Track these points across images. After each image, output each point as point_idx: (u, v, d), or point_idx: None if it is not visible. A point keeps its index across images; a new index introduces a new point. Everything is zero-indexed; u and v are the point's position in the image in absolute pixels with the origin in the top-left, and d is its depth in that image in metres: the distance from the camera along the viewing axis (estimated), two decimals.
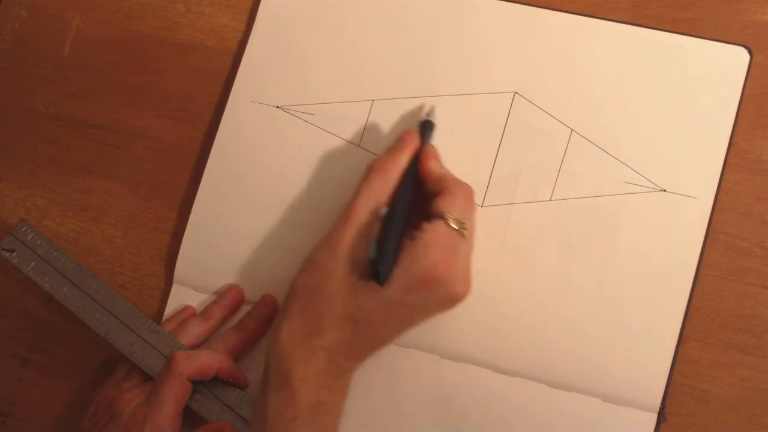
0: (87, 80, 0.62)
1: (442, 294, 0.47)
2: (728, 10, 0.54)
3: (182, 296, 0.57)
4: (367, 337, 0.48)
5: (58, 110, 0.62)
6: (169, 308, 0.57)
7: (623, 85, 0.53)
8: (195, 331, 0.55)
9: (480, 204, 0.54)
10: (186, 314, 0.56)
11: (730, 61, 0.52)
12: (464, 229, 0.47)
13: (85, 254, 0.59)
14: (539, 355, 0.52)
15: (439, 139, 0.54)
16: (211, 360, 0.52)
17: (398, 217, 0.47)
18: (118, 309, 0.55)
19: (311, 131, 0.57)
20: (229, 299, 0.55)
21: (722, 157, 0.52)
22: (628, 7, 0.55)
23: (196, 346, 0.54)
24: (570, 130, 0.53)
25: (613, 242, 0.52)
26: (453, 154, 0.55)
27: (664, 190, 0.52)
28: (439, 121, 0.54)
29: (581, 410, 0.51)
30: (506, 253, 0.53)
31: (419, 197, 0.50)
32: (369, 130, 0.56)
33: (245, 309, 0.56)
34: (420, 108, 0.55)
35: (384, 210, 0.48)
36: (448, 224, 0.47)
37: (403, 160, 0.50)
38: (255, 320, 0.55)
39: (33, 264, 0.56)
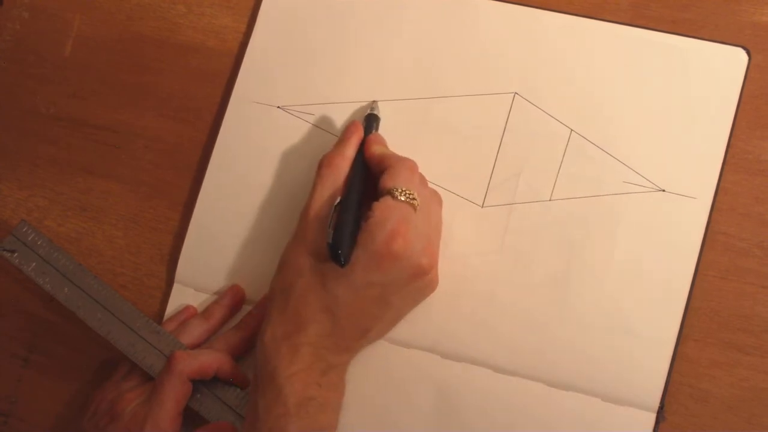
0: (87, 80, 0.62)
1: (406, 267, 0.47)
2: (727, 12, 0.54)
3: (183, 296, 0.57)
4: (347, 327, 0.48)
5: (59, 110, 0.62)
6: (170, 308, 0.57)
7: (623, 85, 0.53)
8: (196, 331, 0.55)
9: (480, 204, 0.54)
10: (187, 314, 0.56)
11: (729, 62, 0.53)
12: (413, 199, 0.48)
13: (86, 254, 0.59)
14: (539, 355, 0.52)
15: (439, 140, 0.54)
16: (212, 359, 0.52)
17: (350, 201, 0.49)
18: (118, 309, 0.55)
19: (312, 131, 0.57)
20: (230, 299, 0.55)
21: (721, 157, 0.52)
22: (627, 8, 0.55)
23: (196, 346, 0.54)
24: (570, 130, 0.54)
25: (613, 242, 0.52)
26: (453, 154, 0.55)
27: (664, 191, 0.52)
28: (439, 121, 0.54)
29: (581, 410, 0.51)
30: (506, 253, 0.53)
31: (371, 184, 0.50)
32: None
33: (246, 309, 0.56)
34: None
35: (339, 200, 0.49)
36: (396, 197, 0.47)
37: (350, 151, 0.52)
38: (256, 320, 0.54)
39: (34, 264, 0.56)
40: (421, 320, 0.53)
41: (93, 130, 0.61)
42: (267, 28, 0.59)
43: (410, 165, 0.50)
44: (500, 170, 0.54)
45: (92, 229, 0.60)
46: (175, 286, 0.57)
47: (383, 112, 0.55)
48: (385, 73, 0.57)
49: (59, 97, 0.62)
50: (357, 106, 0.56)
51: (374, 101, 0.56)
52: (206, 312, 0.55)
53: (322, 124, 0.57)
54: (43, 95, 0.63)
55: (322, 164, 0.51)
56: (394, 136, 0.55)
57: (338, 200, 0.49)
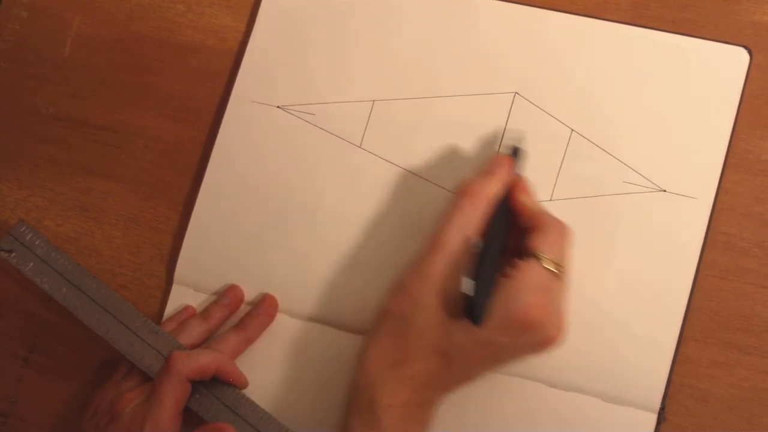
0: (87, 80, 0.62)
1: (536, 338, 0.45)
2: (728, 11, 0.54)
3: (182, 296, 0.57)
4: (455, 372, 0.47)
5: (58, 110, 0.62)
6: (170, 308, 0.57)
7: (623, 85, 0.53)
8: (195, 331, 0.55)
9: None
10: (186, 314, 0.56)
11: (730, 62, 0.52)
12: (560, 270, 0.46)
13: (86, 254, 0.59)
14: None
15: (439, 139, 0.54)
16: (210, 360, 0.52)
17: (492, 251, 0.46)
18: (117, 309, 0.55)
19: (312, 131, 0.57)
20: (229, 299, 0.55)
21: (722, 157, 0.52)
22: (627, 8, 0.55)
23: (195, 346, 0.54)
24: (570, 130, 0.54)
25: (613, 242, 0.52)
26: (453, 153, 0.55)
27: (664, 191, 0.52)
28: (439, 120, 0.54)
29: (581, 410, 0.51)
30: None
31: (512, 230, 0.48)
32: (369, 130, 0.56)
33: (245, 309, 0.56)
34: (503, 132, 0.53)
35: (477, 241, 0.46)
36: (543, 265, 0.45)
37: (495, 187, 0.48)
38: (255, 320, 0.55)
39: (32, 264, 0.56)
40: None
41: (93, 130, 0.61)
42: (267, 27, 0.59)
43: (564, 231, 0.47)
44: None
45: (91, 229, 0.60)
46: (175, 287, 0.57)
47: (384, 112, 0.55)
48: (384, 72, 0.56)
49: (59, 97, 0.62)
50: (357, 105, 0.56)
51: (518, 130, 0.53)
52: (205, 312, 0.55)
53: (322, 124, 0.57)
54: (43, 95, 0.63)
55: (464, 192, 0.48)
56: (395, 136, 0.55)
57: (478, 243, 0.46)
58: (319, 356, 0.55)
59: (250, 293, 0.56)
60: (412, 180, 0.55)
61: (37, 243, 0.56)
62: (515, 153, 0.50)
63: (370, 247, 0.55)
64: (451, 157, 0.55)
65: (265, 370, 0.55)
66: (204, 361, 0.51)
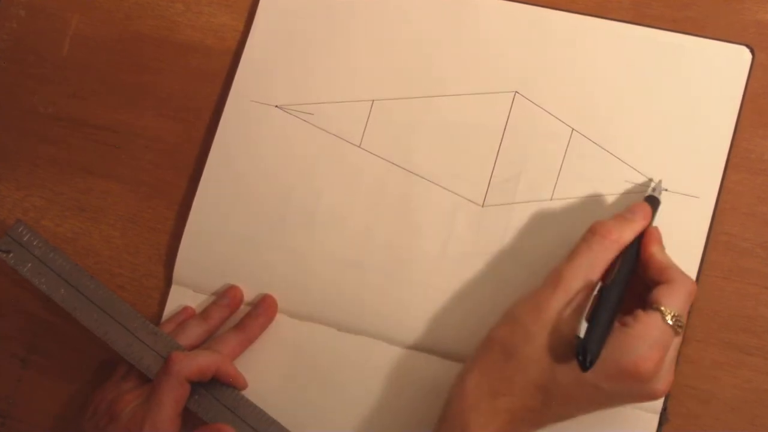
0: (86, 80, 0.62)
1: (642, 390, 0.44)
2: (730, 10, 0.53)
3: (181, 297, 0.57)
4: (553, 411, 0.46)
5: (58, 110, 0.62)
6: (168, 309, 0.57)
7: (624, 84, 0.53)
8: (194, 331, 0.54)
9: (481, 204, 0.54)
10: (185, 315, 0.56)
11: (732, 61, 0.52)
12: (680, 327, 0.45)
13: (84, 255, 0.59)
14: None
15: (439, 139, 0.54)
16: (209, 361, 0.52)
17: (613, 298, 0.45)
18: (115, 310, 0.55)
19: (311, 131, 0.57)
20: (229, 300, 0.55)
21: (724, 156, 0.51)
22: (629, 7, 0.54)
23: (195, 347, 0.54)
24: (571, 129, 0.53)
25: None
26: (453, 153, 0.55)
27: (666, 190, 0.52)
28: (439, 120, 0.54)
29: None
30: (506, 253, 0.53)
31: (636, 278, 0.47)
32: (369, 130, 0.56)
33: (244, 310, 0.56)
34: (645, 182, 0.52)
35: (599, 285, 0.45)
36: (665, 319, 0.44)
37: (629, 234, 0.47)
38: (254, 321, 0.54)
39: (30, 265, 0.56)
40: (421, 321, 0.53)
41: (93, 130, 0.61)
42: (265, 26, 0.59)
43: (692, 289, 0.46)
44: (501, 169, 0.54)
45: (90, 230, 0.60)
46: (174, 287, 0.57)
47: (383, 111, 0.55)
48: (384, 71, 0.56)
49: (59, 97, 0.62)
50: (356, 105, 0.56)
51: (657, 180, 0.51)
52: (204, 313, 0.55)
53: (321, 124, 0.56)
54: (43, 95, 0.63)
55: (597, 232, 0.47)
56: (394, 136, 0.54)
57: (600, 287, 0.45)
58: (319, 356, 0.55)
59: (249, 293, 0.56)
60: (411, 180, 0.55)
61: (35, 243, 0.56)
62: (652, 202, 0.50)
63: (370, 247, 0.54)
64: (450, 156, 0.54)
65: (264, 370, 0.55)
66: (203, 361, 0.51)
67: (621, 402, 0.46)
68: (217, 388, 0.53)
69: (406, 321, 0.53)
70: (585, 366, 0.43)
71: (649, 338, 0.44)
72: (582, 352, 0.43)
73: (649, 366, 0.43)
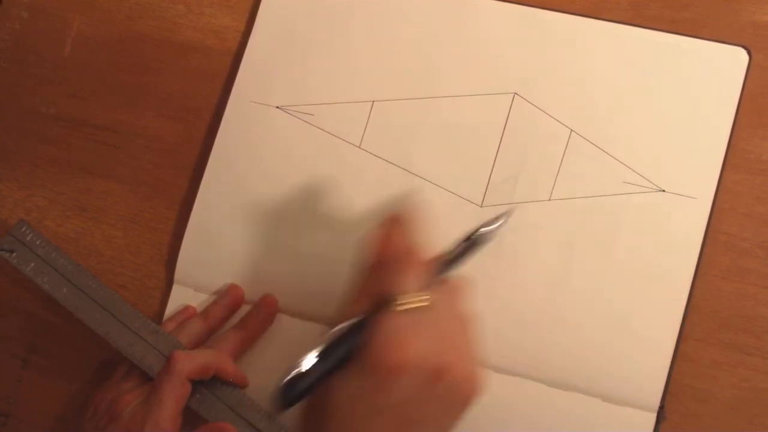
0: (87, 80, 0.62)
1: (415, 376, 0.39)
2: (727, 11, 0.54)
3: (182, 296, 0.57)
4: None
5: (58, 110, 0.62)
6: (170, 308, 0.57)
7: (623, 85, 0.53)
8: (195, 331, 0.55)
9: (479, 204, 0.54)
10: (186, 314, 0.56)
11: (730, 62, 0.52)
12: (409, 301, 0.41)
13: (86, 254, 0.59)
14: (539, 355, 0.51)
15: (438, 139, 0.54)
16: (211, 359, 0.52)
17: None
18: (117, 309, 0.55)
19: (311, 132, 0.57)
20: (230, 299, 0.55)
21: (722, 157, 0.52)
22: (627, 8, 0.55)
23: (196, 346, 0.54)
24: (569, 130, 0.54)
25: (613, 242, 0.52)
26: (452, 153, 0.55)
27: (664, 191, 0.52)
28: (438, 121, 0.54)
29: (581, 410, 0.51)
30: (506, 253, 0.53)
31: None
32: (369, 130, 0.56)
33: (245, 309, 0.56)
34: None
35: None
36: (392, 311, 0.40)
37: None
38: (255, 320, 0.55)
39: (32, 264, 0.56)
40: None
41: (93, 130, 0.61)
42: (266, 27, 0.59)
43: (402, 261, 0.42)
44: (499, 170, 0.54)
45: (91, 229, 0.60)
46: (175, 287, 0.57)
47: (383, 112, 0.55)
48: (384, 72, 0.56)
49: (59, 97, 0.62)
50: (356, 106, 0.56)
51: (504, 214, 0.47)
52: (205, 312, 0.55)
53: (321, 124, 0.57)
54: (43, 95, 0.63)
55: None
56: (394, 137, 0.54)
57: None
58: None
59: (250, 293, 0.56)
60: (411, 180, 0.55)
61: (37, 243, 0.56)
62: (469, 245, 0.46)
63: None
64: (450, 157, 0.55)
65: (265, 370, 0.55)
66: (204, 360, 0.51)
67: (426, 405, 0.41)
68: (218, 387, 0.53)
69: None
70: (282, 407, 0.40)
71: (381, 335, 0.40)
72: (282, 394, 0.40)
73: (399, 353, 0.39)
